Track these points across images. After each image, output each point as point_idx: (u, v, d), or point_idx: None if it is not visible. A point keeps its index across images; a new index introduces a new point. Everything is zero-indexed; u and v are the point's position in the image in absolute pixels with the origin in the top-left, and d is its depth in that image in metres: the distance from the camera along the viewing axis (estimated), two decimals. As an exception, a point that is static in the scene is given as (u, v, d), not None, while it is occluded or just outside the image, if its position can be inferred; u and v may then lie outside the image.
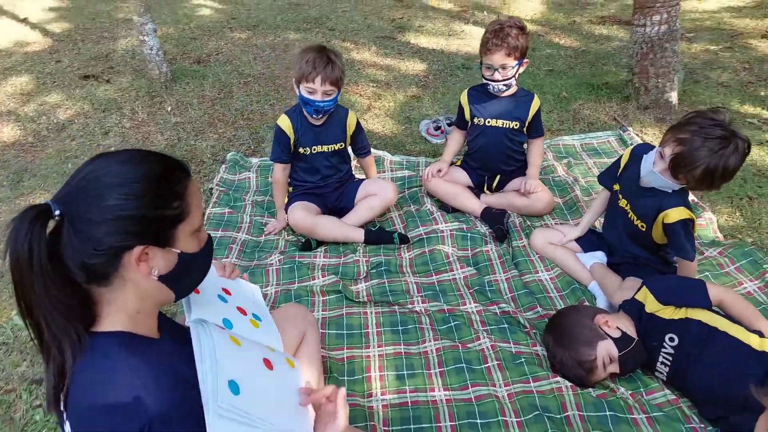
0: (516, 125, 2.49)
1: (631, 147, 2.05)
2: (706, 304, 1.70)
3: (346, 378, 1.86)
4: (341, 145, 2.50)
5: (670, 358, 1.70)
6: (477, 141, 2.59)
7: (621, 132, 3.12)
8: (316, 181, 2.53)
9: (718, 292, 1.74)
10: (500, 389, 1.77)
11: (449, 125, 3.29)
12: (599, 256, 2.18)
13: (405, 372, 1.86)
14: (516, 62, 2.33)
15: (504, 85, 2.38)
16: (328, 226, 2.44)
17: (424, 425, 1.68)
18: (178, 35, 4.96)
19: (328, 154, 2.48)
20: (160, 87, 3.91)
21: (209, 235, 1.11)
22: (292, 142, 2.43)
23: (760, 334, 1.64)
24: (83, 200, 0.91)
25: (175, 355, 1.03)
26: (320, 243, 2.48)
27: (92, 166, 0.95)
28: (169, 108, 3.69)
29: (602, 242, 2.21)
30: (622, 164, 2.07)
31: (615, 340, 1.71)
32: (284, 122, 2.41)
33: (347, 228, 2.46)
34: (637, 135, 3.12)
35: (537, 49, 4.45)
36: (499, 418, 1.68)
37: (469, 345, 1.93)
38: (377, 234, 2.47)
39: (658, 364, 1.73)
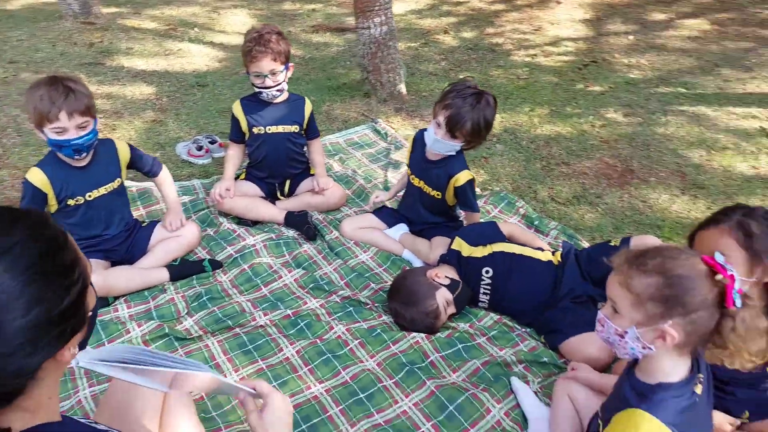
0: (296, 129, 2.77)
1: (413, 136, 2.57)
2: (502, 237, 2.30)
3: (214, 414, 1.87)
4: (119, 182, 2.39)
5: (489, 288, 2.23)
6: (260, 150, 2.78)
7: (373, 124, 3.70)
8: (96, 233, 2.35)
9: (506, 227, 2.37)
10: (368, 362, 2.04)
11: (212, 143, 3.38)
12: (403, 228, 2.63)
13: (275, 383, 1.96)
14: (283, 66, 2.61)
15: (277, 90, 2.63)
16: (124, 277, 2.32)
17: (315, 420, 1.84)
18: None
19: (107, 197, 2.34)
20: None
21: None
22: (51, 197, 2.22)
23: (542, 250, 2.29)
24: None
25: (84, 428, 1.00)
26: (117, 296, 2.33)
27: None
28: None
29: (401, 216, 2.67)
30: (408, 152, 2.57)
31: (447, 286, 2.16)
32: (36, 177, 2.18)
33: (147, 272, 2.37)
34: (387, 124, 3.74)
35: (265, 61, 4.80)
36: (378, 385, 1.95)
37: (325, 337, 2.14)
38: (183, 268, 2.44)
39: (481, 295, 2.25)
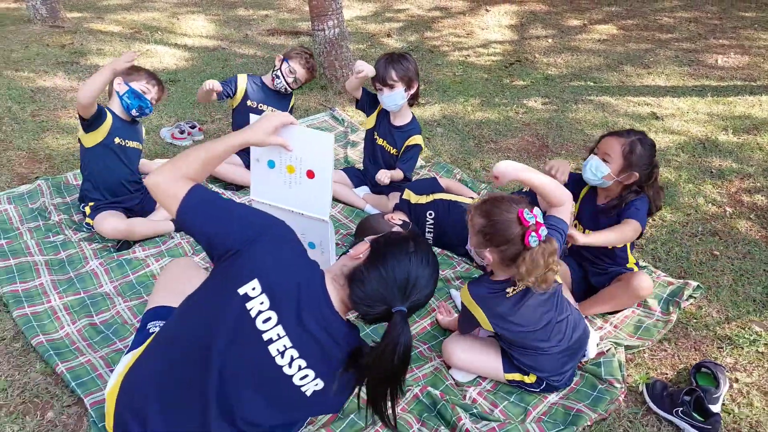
0: (280, 113, 3.41)
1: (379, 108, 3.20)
2: (441, 189, 2.99)
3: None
4: (141, 147, 2.98)
5: (433, 227, 2.89)
6: (245, 121, 3.36)
7: (332, 112, 4.33)
8: (125, 178, 2.89)
9: (444, 181, 3.07)
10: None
11: (192, 128, 3.92)
12: (366, 190, 3.29)
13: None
14: (305, 82, 3.38)
15: (290, 86, 3.29)
16: (141, 226, 2.88)
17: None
18: None
19: (135, 152, 2.91)
20: None
21: None
22: (105, 126, 2.74)
23: (472, 198, 2.99)
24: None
25: None
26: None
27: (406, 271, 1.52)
28: None
29: (365, 178, 3.33)
30: (374, 118, 3.20)
31: (400, 225, 2.80)
32: (111, 109, 2.80)
33: (157, 224, 2.93)
34: (343, 112, 4.37)
35: (229, 60, 5.36)
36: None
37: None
38: (183, 221, 3.00)
39: (427, 234, 2.92)
